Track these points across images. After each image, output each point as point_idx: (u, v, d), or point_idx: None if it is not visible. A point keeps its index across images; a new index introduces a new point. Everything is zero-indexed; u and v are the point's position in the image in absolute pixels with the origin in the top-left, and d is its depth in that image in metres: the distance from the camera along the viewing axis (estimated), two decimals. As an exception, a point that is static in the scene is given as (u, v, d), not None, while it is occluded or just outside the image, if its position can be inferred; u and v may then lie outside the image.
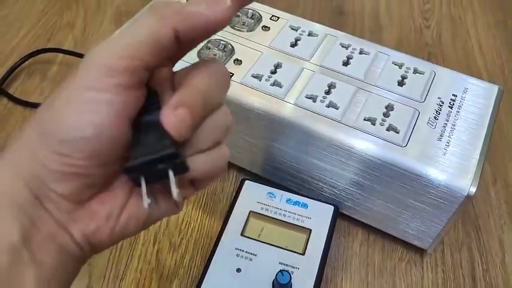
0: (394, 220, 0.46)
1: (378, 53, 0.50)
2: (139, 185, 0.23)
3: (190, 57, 0.49)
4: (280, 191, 0.47)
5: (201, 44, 0.49)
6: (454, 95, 0.47)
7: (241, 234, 0.44)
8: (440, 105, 0.46)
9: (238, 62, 0.48)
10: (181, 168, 0.23)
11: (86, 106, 0.22)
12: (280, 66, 0.47)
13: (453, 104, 0.46)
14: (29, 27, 0.66)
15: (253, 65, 0.47)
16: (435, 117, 0.45)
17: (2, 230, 0.22)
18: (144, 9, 0.22)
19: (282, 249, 0.43)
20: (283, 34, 0.51)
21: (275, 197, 0.47)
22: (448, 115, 0.45)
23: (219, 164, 0.25)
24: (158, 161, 0.22)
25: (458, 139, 0.43)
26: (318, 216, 0.46)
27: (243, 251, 0.43)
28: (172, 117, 0.22)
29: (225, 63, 0.48)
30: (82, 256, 0.25)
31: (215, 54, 0.49)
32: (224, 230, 0.44)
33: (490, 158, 0.55)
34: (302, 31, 0.51)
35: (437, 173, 0.41)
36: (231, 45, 0.49)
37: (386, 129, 0.43)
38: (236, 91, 0.45)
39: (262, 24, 0.52)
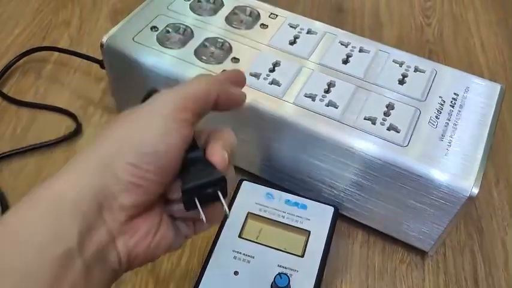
0: (395, 221, 0.45)
1: (378, 51, 0.49)
2: (189, 208, 0.28)
3: (188, 55, 0.48)
4: (279, 191, 0.46)
5: (199, 42, 0.48)
6: (455, 93, 0.46)
7: (239, 236, 0.43)
8: (442, 104, 0.45)
9: (235, 60, 0.47)
10: (224, 192, 0.29)
11: (162, 129, 0.28)
12: (279, 65, 0.47)
13: (455, 103, 0.45)
14: (24, 26, 0.66)
15: (251, 64, 0.47)
16: (436, 117, 0.44)
17: (62, 233, 0.24)
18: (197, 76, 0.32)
19: (280, 252, 0.42)
20: (281, 32, 0.50)
21: (273, 198, 0.46)
22: (450, 114, 0.44)
23: (215, 219, 0.32)
24: (209, 184, 0.28)
25: (460, 139, 0.43)
26: (317, 218, 0.45)
27: (240, 253, 0.42)
28: (220, 156, 0.29)
29: (223, 62, 0.47)
30: (118, 271, 0.28)
31: (212, 53, 0.48)
32: (221, 231, 0.43)
33: (493, 158, 0.54)
34: (301, 29, 0.50)
35: (438, 174, 0.40)
36: (228, 43, 0.49)
37: (387, 129, 0.42)
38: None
39: (260, 22, 0.51)
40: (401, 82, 0.46)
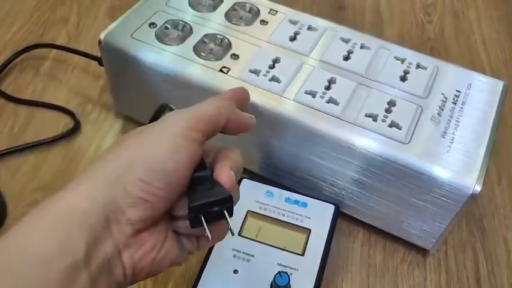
0: (396, 220, 0.45)
1: (380, 48, 0.48)
2: (195, 225, 0.29)
3: (187, 52, 0.47)
4: (279, 189, 0.46)
5: (198, 39, 0.48)
6: (457, 90, 0.46)
7: (239, 234, 0.43)
8: (444, 101, 0.45)
9: (235, 56, 0.47)
10: (230, 211, 0.29)
11: (173, 146, 0.28)
12: (279, 61, 0.46)
13: (457, 100, 0.45)
14: (22, 23, 0.65)
15: (251, 60, 0.46)
16: (438, 114, 0.44)
17: (70, 245, 0.25)
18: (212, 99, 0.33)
19: (280, 250, 0.42)
20: (281, 28, 0.50)
21: (274, 196, 0.46)
22: (452, 111, 0.44)
23: (220, 237, 0.32)
24: (216, 203, 0.29)
25: (463, 136, 0.42)
26: (317, 216, 0.44)
27: (240, 251, 0.42)
28: (227, 175, 0.30)
29: (222, 58, 0.46)
30: (123, 284, 0.28)
31: (212, 49, 0.47)
32: (221, 230, 0.43)
33: (495, 156, 0.54)
34: (301, 25, 0.50)
35: (441, 171, 0.40)
36: (228, 39, 0.48)
37: (388, 126, 0.42)
38: (233, 86, 0.44)
39: (260, 18, 0.51)
40: (403, 79, 0.46)
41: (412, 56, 0.48)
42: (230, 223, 0.29)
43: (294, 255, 0.42)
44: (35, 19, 0.66)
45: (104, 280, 0.26)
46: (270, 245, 0.42)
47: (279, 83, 0.44)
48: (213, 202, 0.29)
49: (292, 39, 0.49)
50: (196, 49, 0.47)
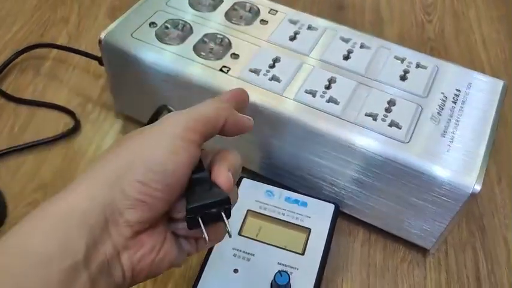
0: (396, 219, 0.45)
1: (379, 47, 0.48)
2: (192, 227, 0.29)
3: (187, 52, 0.47)
4: (279, 189, 0.46)
5: (198, 38, 0.48)
6: (457, 90, 0.46)
7: (239, 234, 0.43)
8: (444, 101, 0.45)
9: (235, 56, 0.47)
10: (228, 213, 0.29)
11: (171, 147, 0.28)
12: (279, 61, 0.46)
13: (457, 99, 0.45)
14: (22, 23, 0.65)
15: (251, 60, 0.46)
16: (438, 113, 0.44)
17: (70, 245, 0.25)
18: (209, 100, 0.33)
19: (280, 249, 0.42)
20: (281, 28, 0.50)
21: (274, 195, 0.46)
22: (452, 110, 0.44)
23: (217, 238, 0.32)
24: (214, 204, 0.29)
25: (462, 135, 0.42)
26: (317, 215, 0.44)
27: (240, 251, 0.42)
28: (225, 177, 0.30)
29: (222, 58, 0.47)
30: (122, 285, 0.28)
31: (212, 49, 0.47)
32: (221, 229, 0.43)
33: (495, 155, 0.54)
34: (301, 25, 0.50)
35: (440, 170, 0.40)
36: (228, 39, 0.48)
37: (388, 125, 0.42)
38: (233, 86, 0.44)
39: (260, 18, 0.51)
40: (403, 78, 0.46)
41: (412, 56, 0.48)
42: (228, 225, 0.29)
43: (294, 254, 0.42)
44: (35, 19, 0.66)
45: (103, 281, 0.26)
46: (270, 244, 0.42)
47: (279, 82, 0.44)
48: (211, 204, 0.29)
49: (292, 38, 0.49)
50: (196, 49, 0.47)
